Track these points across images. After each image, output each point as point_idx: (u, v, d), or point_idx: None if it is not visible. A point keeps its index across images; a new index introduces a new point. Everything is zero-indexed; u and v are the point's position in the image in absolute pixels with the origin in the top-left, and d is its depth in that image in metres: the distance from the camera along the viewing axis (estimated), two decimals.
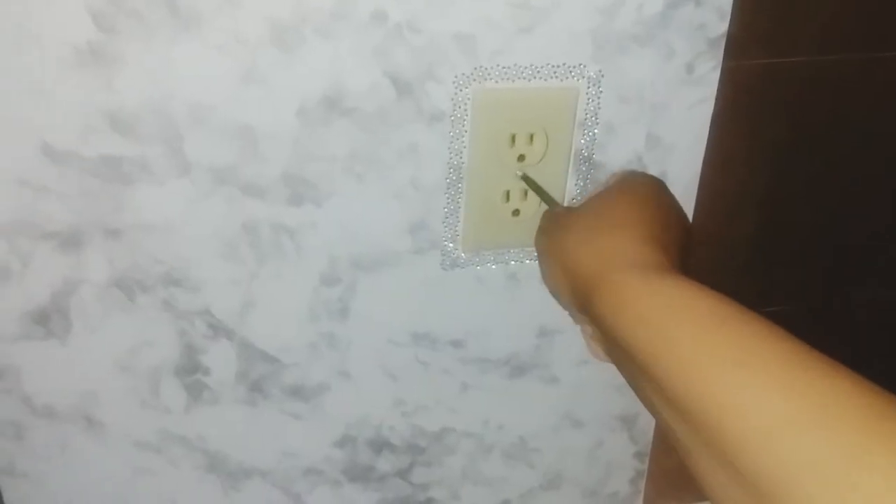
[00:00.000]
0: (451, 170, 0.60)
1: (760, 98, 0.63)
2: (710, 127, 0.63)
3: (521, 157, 0.60)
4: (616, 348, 0.44)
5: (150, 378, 0.62)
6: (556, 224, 0.55)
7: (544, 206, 0.61)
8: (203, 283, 0.60)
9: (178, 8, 0.51)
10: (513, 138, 0.59)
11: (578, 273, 0.48)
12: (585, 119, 0.60)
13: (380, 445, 0.70)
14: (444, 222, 0.62)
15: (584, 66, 0.58)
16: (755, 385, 0.34)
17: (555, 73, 0.58)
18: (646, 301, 0.42)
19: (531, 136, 0.59)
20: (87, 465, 0.65)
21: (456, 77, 0.57)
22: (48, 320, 0.58)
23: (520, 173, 0.60)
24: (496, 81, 0.57)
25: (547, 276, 0.54)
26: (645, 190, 0.55)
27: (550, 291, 0.55)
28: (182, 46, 0.52)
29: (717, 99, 0.62)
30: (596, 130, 0.61)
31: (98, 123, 0.53)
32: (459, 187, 0.60)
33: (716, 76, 0.61)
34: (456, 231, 0.62)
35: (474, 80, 0.57)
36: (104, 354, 0.61)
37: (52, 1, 0.49)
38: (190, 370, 0.63)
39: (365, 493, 0.72)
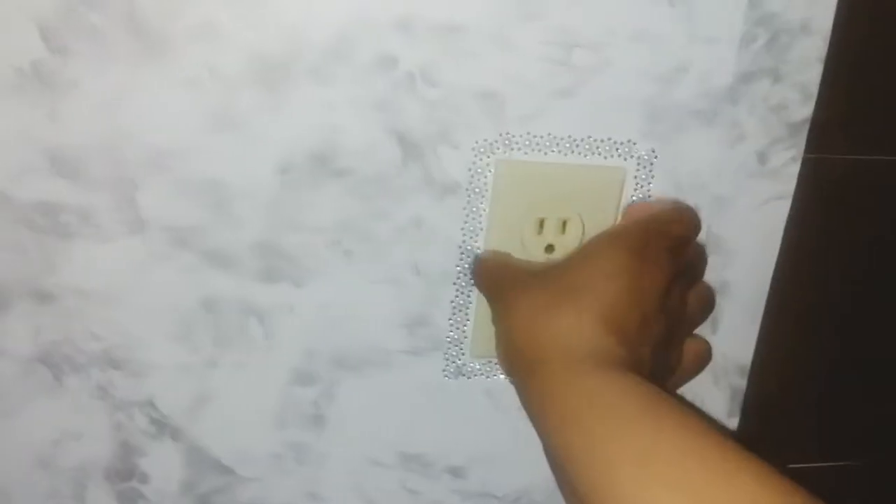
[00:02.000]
0: (463, 255, 0.49)
1: (847, 199, 0.52)
2: (785, 230, 0.52)
3: (550, 248, 0.49)
4: (537, 433, 0.41)
5: (76, 480, 0.51)
6: (518, 279, 0.46)
7: None
8: (148, 367, 0.49)
9: (145, 29, 0.42)
10: (541, 223, 0.48)
11: (520, 351, 0.43)
12: None
13: None
14: (450, 319, 0.50)
15: (634, 144, 0.48)
16: (657, 485, 0.34)
17: (597, 148, 0.48)
18: (571, 398, 0.39)
19: (563, 223, 0.48)
20: None
21: (476, 143, 0.47)
22: None
23: None
24: (525, 153, 0.47)
25: (496, 332, 0.46)
26: (617, 258, 0.43)
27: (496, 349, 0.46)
28: (145, 76, 0.43)
29: (794, 197, 0.51)
30: None
31: (36, 161, 0.44)
32: (471, 278, 0.49)
33: (794, 169, 0.50)
34: (464, 331, 0.51)
35: (498, 148, 0.47)
36: (21, 445, 0.50)
37: None
38: (124, 475, 0.51)
39: None
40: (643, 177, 0.49)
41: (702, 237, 0.51)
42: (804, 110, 0.49)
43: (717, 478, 0.33)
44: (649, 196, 0.49)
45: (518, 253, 0.49)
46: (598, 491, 0.35)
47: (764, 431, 0.58)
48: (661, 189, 0.49)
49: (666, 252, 0.44)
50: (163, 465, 0.51)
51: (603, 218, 0.49)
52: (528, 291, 0.44)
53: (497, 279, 0.47)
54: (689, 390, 0.52)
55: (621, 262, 0.43)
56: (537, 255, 0.48)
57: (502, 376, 0.52)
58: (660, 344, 0.43)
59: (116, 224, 0.45)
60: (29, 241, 0.45)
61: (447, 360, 0.52)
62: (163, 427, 0.50)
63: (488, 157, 0.47)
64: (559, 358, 0.40)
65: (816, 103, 0.49)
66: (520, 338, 0.43)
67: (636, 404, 0.38)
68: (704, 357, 0.49)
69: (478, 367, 0.52)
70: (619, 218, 0.49)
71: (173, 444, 0.51)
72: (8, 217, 0.44)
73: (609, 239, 0.45)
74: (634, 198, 0.49)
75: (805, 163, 0.50)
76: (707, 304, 0.50)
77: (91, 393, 0.49)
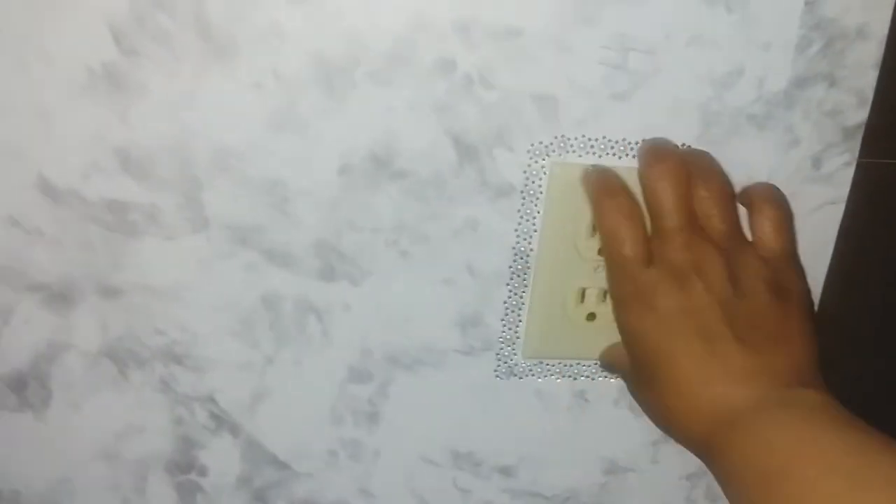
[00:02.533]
0: (517, 257, 0.50)
1: None
2: (838, 236, 0.52)
3: (602, 252, 0.49)
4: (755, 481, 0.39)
5: (137, 472, 0.52)
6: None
7: None
8: (209, 363, 0.50)
9: (212, 33, 0.43)
10: (594, 226, 0.49)
11: (705, 402, 0.42)
12: None
13: None
14: (502, 320, 0.51)
15: (687, 145, 0.48)
16: None
17: None
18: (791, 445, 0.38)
19: None
20: None
21: (532, 146, 0.47)
22: (25, 388, 0.49)
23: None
24: (580, 155, 0.48)
25: (651, 396, 0.45)
26: (799, 291, 0.45)
27: (652, 415, 0.46)
28: (212, 79, 0.44)
29: (848, 202, 0.51)
30: None
31: (106, 161, 0.45)
32: (525, 279, 0.50)
33: (848, 175, 0.50)
34: (516, 332, 0.51)
35: (553, 151, 0.47)
36: (85, 437, 0.51)
37: (68, 12, 0.42)
38: (184, 467, 0.53)
39: None
40: None
41: None
42: (859, 115, 0.49)
43: None
44: None
45: (572, 255, 0.49)
46: None
47: None
48: None
49: (634, 277, 0.44)
50: (221, 459, 0.52)
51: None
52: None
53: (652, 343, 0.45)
54: None
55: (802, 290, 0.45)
56: (591, 258, 0.49)
57: (554, 377, 0.53)
58: (758, 317, 0.43)
59: (181, 222, 0.47)
60: (97, 239, 0.46)
61: (499, 360, 0.52)
62: (222, 422, 0.51)
63: (543, 159, 0.48)
64: (768, 396, 0.41)
65: (871, 108, 0.49)
66: (707, 393, 0.42)
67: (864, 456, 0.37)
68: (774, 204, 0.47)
69: (529, 367, 0.53)
70: None
71: (232, 439, 0.52)
72: (78, 214, 0.46)
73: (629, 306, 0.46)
74: None
75: (859, 168, 0.50)
76: (775, 226, 0.46)
77: (154, 387, 0.50)
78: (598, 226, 0.46)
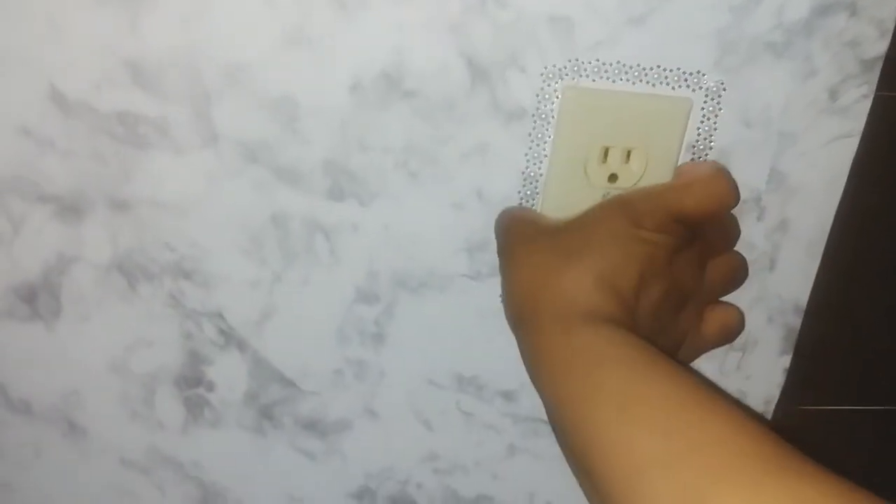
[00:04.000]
0: (526, 182, 0.49)
1: None
2: (851, 170, 0.51)
3: (613, 177, 0.49)
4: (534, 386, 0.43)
5: (145, 385, 0.53)
6: (527, 235, 0.47)
7: None
8: (217, 279, 0.50)
9: None
10: (605, 152, 0.48)
11: (519, 305, 0.45)
12: (697, 140, 0.49)
13: None
14: None
15: (704, 75, 0.48)
16: (633, 425, 0.35)
17: (666, 78, 0.48)
18: (561, 349, 0.41)
19: (628, 153, 0.49)
20: (63, 477, 0.55)
21: (546, 69, 0.47)
22: (35, 299, 0.50)
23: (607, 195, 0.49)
24: (593, 80, 0.47)
25: (502, 273, 0.48)
26: (615, 224, 0.45)
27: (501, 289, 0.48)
28: None
29: (863, 136, 0.50)
30: (708, 156, 0.50)
31: (117, 73, 0.45)
32: (533, 204, 0.50)
33: (865, 107, 0.50)
34: None
35: (567, 74, 0.47)
36: (95, 349, 0.52)
37: None
38: (192, 382, 0.53)
39: None
40: (710, 109, 0.49)
41: (765, 173, 0.51)
42: (879, 47, 0.48)
43: (693, 419, 0.35)
44: (715, 129, 0.49)
45: (581, 182, 0.49)
46: (580, 434, 0.37)
47: (814, 371, 0.58)
48: (727, 122, 0.49)
49: (671, 223, 0.45)
50: (229, 375, 0.53)
51: (668, 149, 0.49)
52: (533, 249, 0.46)
53: (511, 232, 0.48)
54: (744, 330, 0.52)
55: (619, 227, 0.44)
56: (601, 184, 0.49)
57: None
58: (662, 308, 0.45)
59: (191, 136, 0.47)
60: (108, 151, 0.47)
61: None
62: (229, 338, 0.52)
63: (556, 83, 0.47)
64: (553, 313, 0.42)
65: (892, 40, 0.48)
66: (520, 292, 0.45)
67: (621, 353, 0.39)
68: (731, 326, 0.50)
69: None
70: (681, 153, 0.49)
71: (239, 356, 0.53)
72: (89, 126, 0.46)
73: (612, 205, 0.46)
74: (700, 130, 0.49)
75: (877, 101, 0.49)
76: (730, 276, 0.50)
77: (163, 302, 0.51)
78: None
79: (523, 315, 0.44)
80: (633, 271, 0.43)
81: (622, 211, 0.45)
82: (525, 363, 0.44)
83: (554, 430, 0.41)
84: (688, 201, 0.46)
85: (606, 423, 0.36)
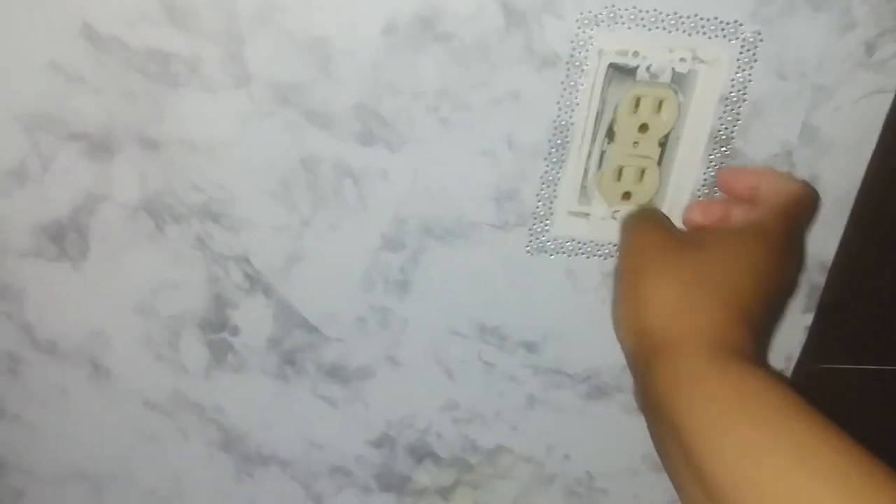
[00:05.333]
0: (557, 130, 0.49)
1: None
2: (885, 126, 0.51)
3: (644, 127, 0.49)
4: (658, 417, 0.42)
5: (170, 328, 0.53)
6: (663, 256, 0.46)
7: (662, 192, 0.50)
8: (245, 223, 0.50)
9: None
10: (636, 101, 0.48)
11: (650, 331, 0.43)
12: (731, 92, 0.49)
13: (422, 454, 0.60)
14: (537, 195, 0.51)
15: (741, 25, 0.47)
16: (802, 472, 0.35)
17: (702, 27, 0.47)
18: (708, 384, 0.39)
19: (660, 103, 0.48)
20: (87, 418, 0.56)
21: (581, 14, 0.46)
22: (63, 239, 0.50)
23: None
24: (629, 27, 0.47)
25: (617, 298, 0.46)
26: (762, 256, 0.45)
27: (612, 316, 0.47)
28: None
29: None
30: (741, 108, 0.49)
31: (150, 9, 0.44)
32: (563, 154, 0.50)
33: None
34: (550, 208, 0.51)
35: (602, 21, 0.46)
36: (121, 290, 0.52)
37: None
38: (217, 326, 0.54)
39: None
40: (746, 60, 0.48)
41: (797, 127, 0.50)
42: None
43: (871, 479, 0.34)
44: (749, 80, 0.49)
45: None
46: (734, 475, 0.36)
47: (836, 330, 0.58)
48: (762, 74, 0.49)
49: (803, 238, 0.47)
50: (253, 320, 0.53)
51: (701, 99, 0.48)
52: (675, 270, 0.44)
53: (647, 246, 0.47)
54: None
55: (766, 259, 0.44)
56: (629, 137, 0.49)
57: (586, 257, 0.53)
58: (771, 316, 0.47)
59: (223, 76, 0.46)
60: (139, 88, 0.46)
61: (531, 235, 0.52)
62: (255, 282, 0.52)
63: (591, 29, 0.47)
64: (703, 345, 0.41)
65: None
66: (658, 314, 0.43)
67: (787, 401, 0.38)
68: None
69: (560, 244, 0.53)
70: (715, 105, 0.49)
71: (265, 300, 0.53)
72: (121, 63, 0.45)
73: (755, 235, 0.46)
74: (734, 82, 0.49)
75: None
76: None
77: (190, 244, 0.51)
78: None
79: (654, 339, 0.43)
80: (767, 304, 0.44)
81: (768, 241, 0.45)
82: (647, 389, 0.42)
83: (671, 458, 0.40)
84: (812, 211, 0.50)
85: (771, 468, 0.35)
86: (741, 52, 0.48)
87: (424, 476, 0.61)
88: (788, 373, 0.59)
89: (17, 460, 0.57)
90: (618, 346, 0.57)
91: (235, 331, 0.54)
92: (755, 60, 0.48)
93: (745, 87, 0.49)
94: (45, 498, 0.58)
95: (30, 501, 0.58)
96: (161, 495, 0.59)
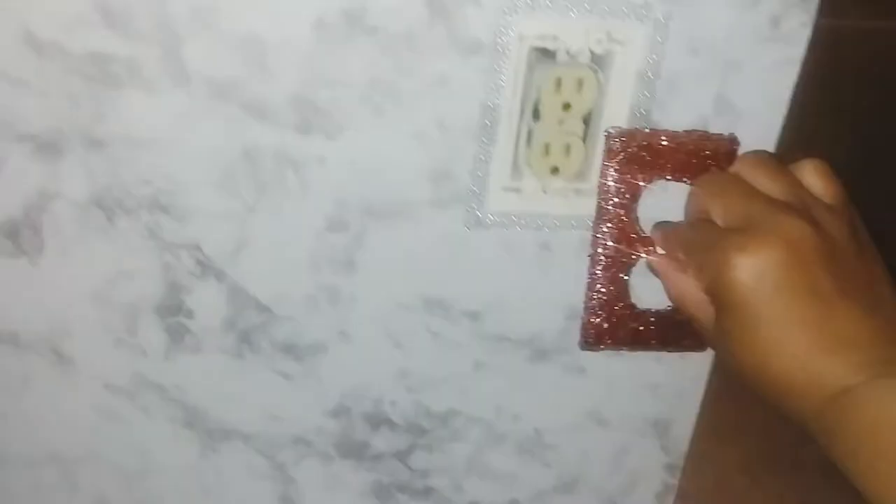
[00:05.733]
0: (486, 111, 0.52)
1: (855, 65, 0.54)
2: (793, 94, 0.54)
3: (567, 106, 0.52)
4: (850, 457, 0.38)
5: (128, 314, 0.56)
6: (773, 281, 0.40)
7: (588, 166, 0.53)
8: (193, 212, 0.53)
9: None
10: (559, 82, 0.51)
11: (814, 376, 0.39)
12: (646, 69, 0.52)
13: (378, 421, 0.63)
14: (471, 173, 0.54)
15: (651, 6, 0.50)
16: None
17: (616, 10, 0.50)
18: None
19: (580, 82, 0.51)
20: (51, 404, 0.58)
21: (500, 2, 0.49)
22: (18, 235, 0.52)
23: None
24: (547, 13, 0.49)
25: (745, 342, 0.41)
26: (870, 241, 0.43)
27: (749, 379, 0.42)
28: None
29: (804, 62, 0.53)
30: (657, 84, 0.52)
31: (88, 14, 0.46)
32: (493, 134, 0.53)
33: (805, 35, 0.52)
34: (485, 185, 0.54)
35: (521, 9, 0.49)
36: (78, 281, 0.54)
37: None
38: (172, 310, 0.56)
39: (357, 473, 0.65)
40: (658, 39, 0.51)
41: (711, 100, 0.53)
42: None
43: None
44: (663, 58, 0.51)
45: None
46: None
47: None
48: (674, 51, 0.51)
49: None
50: (207, 303, 0.56)
51: (619, 78, 0.51)
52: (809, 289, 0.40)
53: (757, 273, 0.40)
54: None
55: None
56: (553, 115, 0.51)
57: (520, 230, 0.56)
58: (856, 273, 0.42)
59: (162, 76, 0.48)
60: (81, 91, 0.48)
61: (468, 211, 0.55)
62: (207, 268, 0.55)
63: (511, 16, 0.49)
64: (868, 372, 0.38)
65: None
66: (806, 349, 0.40)
67: None
68: None
69: (496, 219, 0.56)
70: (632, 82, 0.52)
71: (217, 285, 0.55)
72: (61, 67, 0.47)
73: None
74: (649, 59, 0.51)
75: (817, 28, 0.52)
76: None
77: (142, 235, 0.53)
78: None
79: (826, 382, 0.39)
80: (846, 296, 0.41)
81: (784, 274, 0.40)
82: (847, 434, 0.38)
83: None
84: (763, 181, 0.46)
85: None
86: (654, 32, 0.51)
87: (381, 442, 0.64)
88: None
89: None
90: (556, 310, 0.60)
91: (190, 314, 0.56)
92: (667, 38, 0.51)
93: (659, 64, 0.52)
94: (19, 481, 0.61)
95: (3, 485, 0.61)
96: (130, 473, 0.62)
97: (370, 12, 0.48)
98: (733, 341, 0.42)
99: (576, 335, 0.61)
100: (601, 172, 0.51)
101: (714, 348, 0.46)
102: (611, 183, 0.51)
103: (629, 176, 0.50)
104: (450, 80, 0.51)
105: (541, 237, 0.57)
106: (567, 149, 0.53)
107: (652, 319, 0.55)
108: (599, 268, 0.53)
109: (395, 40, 0.49)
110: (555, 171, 0.54)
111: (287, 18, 0.48)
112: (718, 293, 0.41)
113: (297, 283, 0.56)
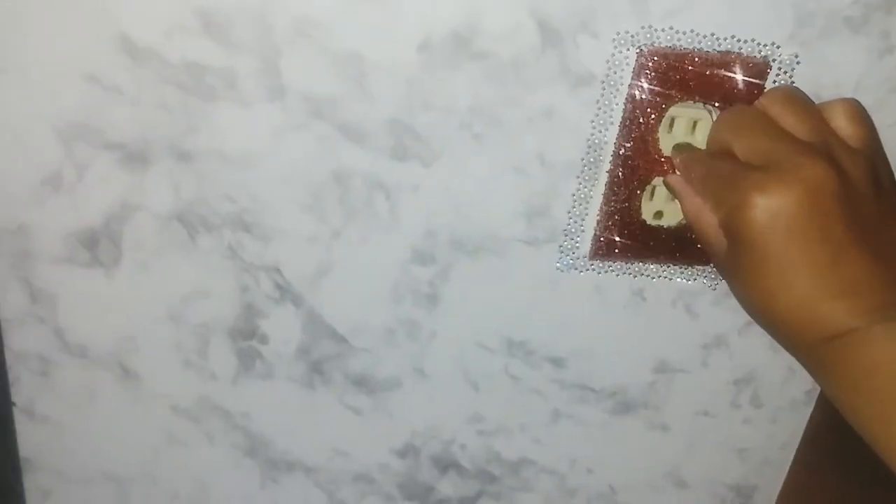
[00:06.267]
0: (590, 148, 0.49)
1: None
2: None
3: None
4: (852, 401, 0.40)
5: (200, 335, 0.54)
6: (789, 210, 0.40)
7: None
8: (276, 233, 0.51)
9: None
10: (671, 122, 0.48)
11: (818, 315, 0.40)
12: None
13: (446, 464, 0.60)
14: (569, 212, 0.51)
15: (778, 47, 0.47)
16: None
17: (740, 48, 0.47)
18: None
19: (694, 124, 0.48)
20: (115, 421, 0.56)
21: (618, 34, 0.46)
22: (96, 245, 0.50)
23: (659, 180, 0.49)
24: (665, 48, 0.47)
25: (755, 278, 0.42)
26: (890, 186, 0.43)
27: (754, 312, 0.43)
28: None
29: None
30: None
31: (188, 21, 0.45)
32: (595, 172, 0.50)
33: None
34: (581, 225, 0.51)
35: (639, 41, 0.46)
36: (152, 297, 0.52)
37: None
38: (246, 334, 0.54)
39: None
40: (782, 82, 0.48)
41: None
42: None
43: None
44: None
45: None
46: None
47: None
48: (803, 78, 0.48)
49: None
50: (282, 329, 0.54)
51: None
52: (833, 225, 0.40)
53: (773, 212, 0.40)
54: None
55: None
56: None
57: (616, 274, 0.53)
58: (871, 218, 0.41)
59: (257, 89, 0.46)
60: (174, 100, 0.46)
61: (562, 252, 0.52)
62: (285, 292, 0.52)
63: (627, 49, 0.46)
64: (872, 314, 0.39)
65: None
66: (814, 288, 0.40)
67: None
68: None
69: (591, 262, 0.53)
70: None
71: (294, 310, 0.53)
72: (157, 75, 0.46)
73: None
74: None
75: None
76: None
77: (222, 254, 0.51)
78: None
79: (830, 321, 0.40)
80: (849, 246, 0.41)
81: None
82: (847, 381, 0.40)
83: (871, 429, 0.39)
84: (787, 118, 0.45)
85: None
86: (778, 74, 0.47)
87: (448, 487, 0.61)
88: None
89: (45, 460, 0.57)
90: (644, 363, 0.57)
91: (264, 339, 0.54)
92: (792, 82, 0.48)
93: None
94: (72, 498, 0.59)
95: (57, 501, 0.59)
96: (186, 499, 0.60)
97: (480, 36, 0.46)
98: (741, 275, 0.42)
99: (663, 391, 0.58)
100: (629, 87, 0.47)
101: (721, 274, 0.46)
102: (638, 99, 0.47)
103: (657, 95, 0.47)
104: (556, 113, 0.48)
105: (636, 284, 0.54)
106: None
107: (663, 236, 0.51)
108: (617, 183, 0.49)
109: (502, 67, 0.46)
110: (658, 215, 0.51)
111: (392, 37, 0.45)
112: (732, 228, 0.42)
113: (377, 315, 0.54)
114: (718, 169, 0.44)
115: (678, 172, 0.48)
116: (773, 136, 0.42)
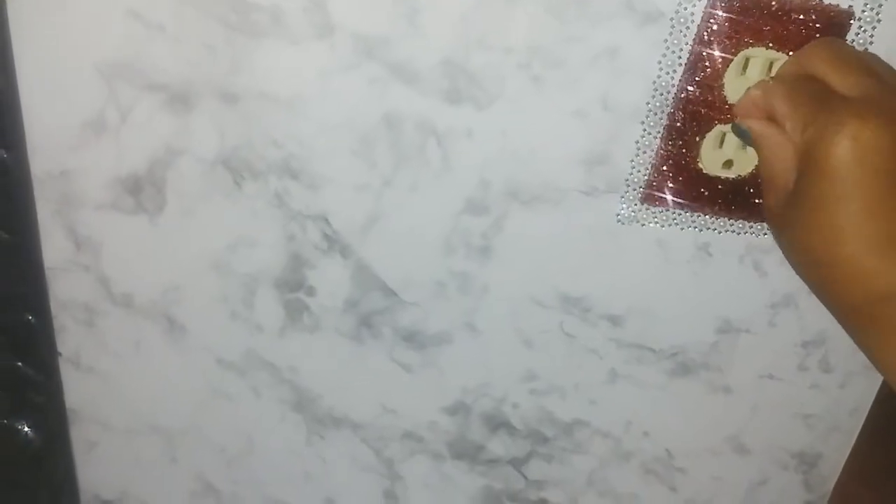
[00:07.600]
0: (657, 92, 0.46)
1: None
2: None
3: None
4: None
5: (246, 285, 0.52)
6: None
7: None
8: (324, 180, 0.49)
9: None
10: (745, 62, 0.45)
11: (869, 273, 0.37)
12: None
13: (497, 423, 0.58)
14: (631, 161, 0.48)
15: None
16: None
17: None
18: None
19: (770, 64, 0.45)
20: (160, 373, 0.55)
21: None
22: (140, 191, 0.49)
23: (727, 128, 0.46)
24: None
25: (824, 215, 0.38)
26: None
27: (806, 241, 0.39)
28: None
29: None
30: None
31: None
32: (661, 117, 0.47)
33: None
34: (644, 175, 0.48)
35: None
36: (197, 245, 0.51)
37: None
38: (293, 285, 0.52)
39: (469, 476, 0.60)
40: (868, 19, 0.44)
41: None
42: None
43: None
44: (871, 42, 0.45)
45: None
46: None
47: None
48: (884, 34, 0.44)
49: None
50: (330, 281, 0.52)
51: None
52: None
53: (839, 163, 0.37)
54: None
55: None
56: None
57: (679, 228, 0.50)
58: None
59: (305, 26, 0.44)
60: (219, 39, 0.44)
61: (623, 203, 0.49)
62: (333, 243, 0.51)
63: None
64: None
65: None
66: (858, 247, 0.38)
67: None
68: None
69: (653, 213, 0.50)
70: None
71: (342, 261, 0.51)
72: (200, 11, 0.44)
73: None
74: (854, 43, 0.45)
75: None
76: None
77: (268, 201, 0.49)
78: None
79: (876, 283, 0.37)
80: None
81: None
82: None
83: None
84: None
85: None
86: (864, 10, 0.44)
87: (498, 446, 0.59)
88: None
89: (91, 412, 0.57)
90: (707, 322, 0.54)
91: (311, 291, 0.52)
92: (879, 19, 0.44)
93: (867, 48, 0.45)
94: (118, 450, 0.58)
95: (102, 452, 0.58)
96: (232, 453, 0.59)
97: None
98: (806, 213, 0.39)
99: (726, 352, 0.55)
100: (699, 27, 0.44)
101: (772, 220, 0.42)
102: (706, 41, 0.44)
103: (729, 37, 0.44)
104: (620, 53, 0.45)
105: (701, 239, 0.51)
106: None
107: (719, 187, 0.48)
108: (678, 125, 0.46)
109: (564, 2, 0.43)
110: (728, 164, 0.47)
111: None
112: (815, 153, 0.38)
113: (428, 267, 0.52)
114: (810, 89, 0.40)
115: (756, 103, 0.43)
116: (871, 74, 0.39)
